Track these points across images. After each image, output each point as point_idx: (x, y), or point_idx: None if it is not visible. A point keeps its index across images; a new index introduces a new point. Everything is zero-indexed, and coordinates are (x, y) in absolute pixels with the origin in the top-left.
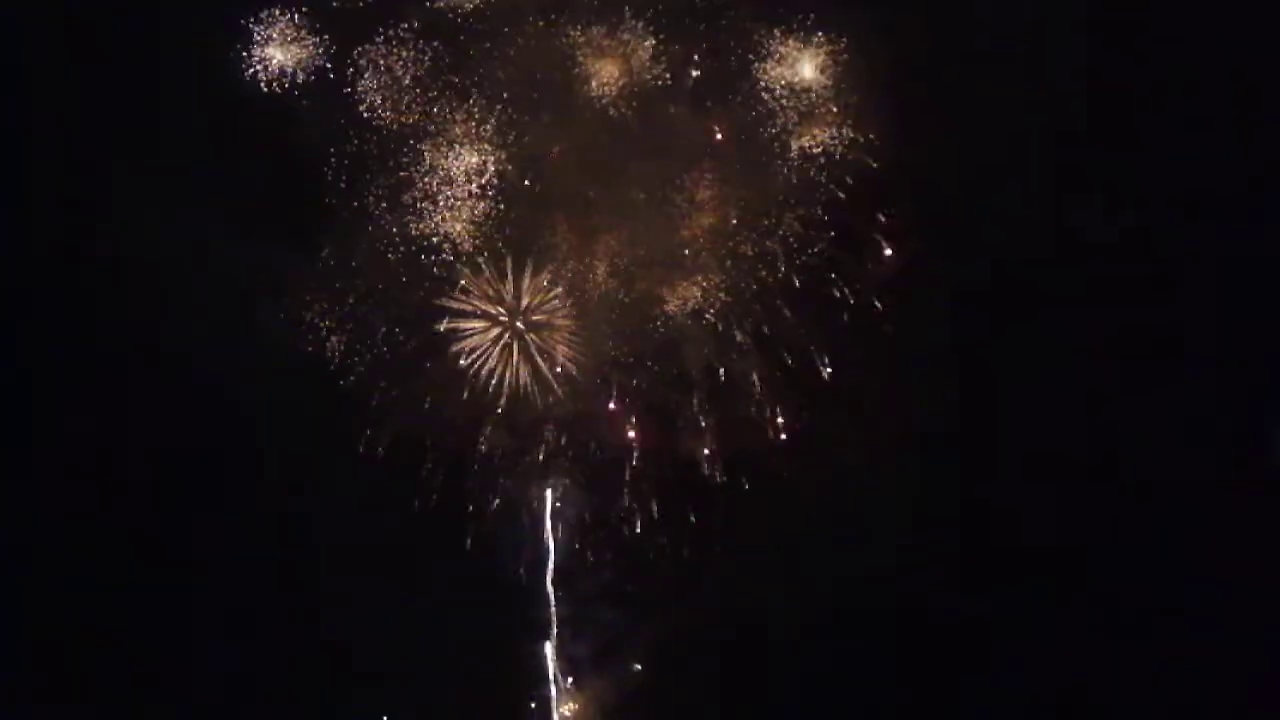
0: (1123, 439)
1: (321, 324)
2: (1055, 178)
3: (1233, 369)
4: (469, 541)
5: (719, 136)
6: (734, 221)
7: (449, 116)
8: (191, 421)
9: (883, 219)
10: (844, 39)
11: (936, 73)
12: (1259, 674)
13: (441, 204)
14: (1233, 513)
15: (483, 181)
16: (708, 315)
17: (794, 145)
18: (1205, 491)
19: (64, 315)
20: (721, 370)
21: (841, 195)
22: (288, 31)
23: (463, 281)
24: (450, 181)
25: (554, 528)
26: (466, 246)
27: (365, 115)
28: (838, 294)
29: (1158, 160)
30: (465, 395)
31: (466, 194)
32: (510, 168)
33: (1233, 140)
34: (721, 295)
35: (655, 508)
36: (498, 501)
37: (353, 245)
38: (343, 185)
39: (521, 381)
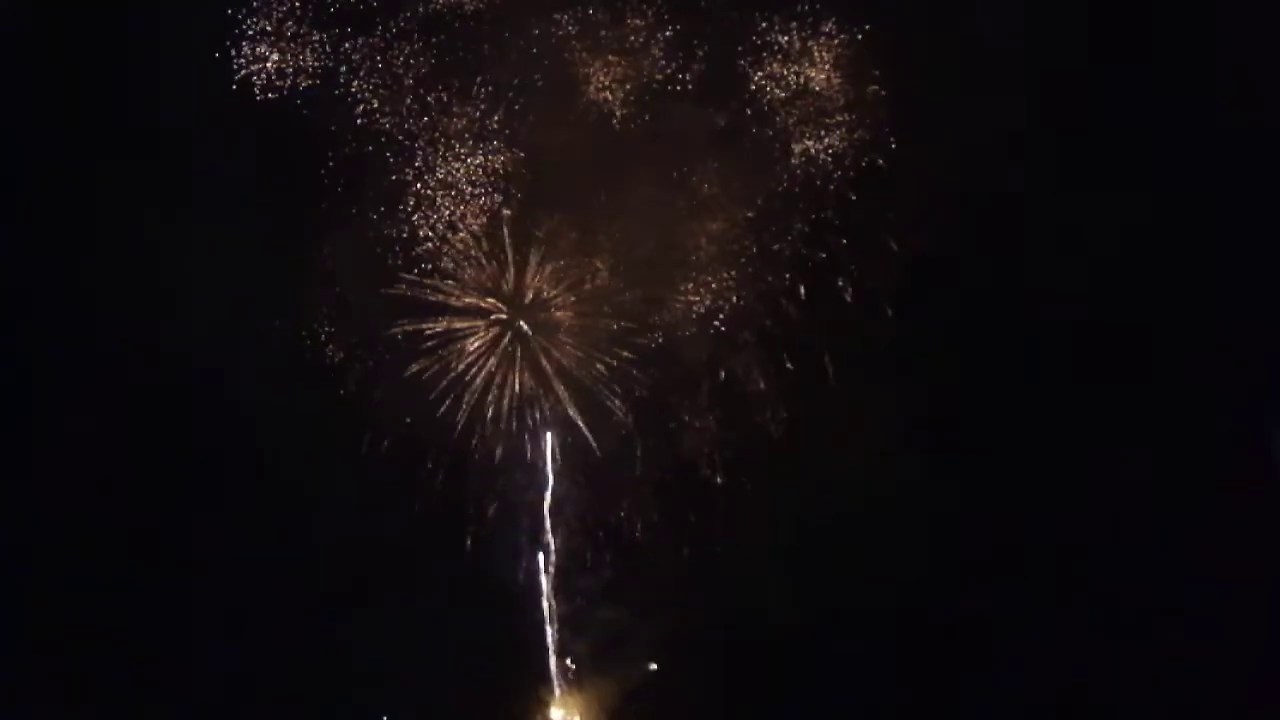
0: (1123, 438)
1: (321, 329)
2: (1058, 176)
3: (1233, 369)
4: (469, 542)
5: (723, 132)
6: (739, 220)
7: (450, 115)
8: (191, 422)
9: (889, 217)
10: (849, 34)
11: (941, 69)
12: (1259, 674)
13: (442, 203)
14: (1233, 513)
15: (485, 180)
16: (712, 315)
17: (799, 144)
18: (1205, 491)
19: (64, 316)
20: (722, 371)
21: (851, 195)
22: (286, 29)
23: (464, 281)
24: (452, 181)
25: (554, 528)
26: (468, 245)
27: (365, 115)
28: (845, 296)
29: (1158, 159)
30: (466, 395)
31: (468, 193)
32: (512, 167)
33: (1234, 139)
34: (727, 295)
35: (655, 508)
36: (497, 502)
37: (353, 246)
38: (341, 187)
39: (523, 381)
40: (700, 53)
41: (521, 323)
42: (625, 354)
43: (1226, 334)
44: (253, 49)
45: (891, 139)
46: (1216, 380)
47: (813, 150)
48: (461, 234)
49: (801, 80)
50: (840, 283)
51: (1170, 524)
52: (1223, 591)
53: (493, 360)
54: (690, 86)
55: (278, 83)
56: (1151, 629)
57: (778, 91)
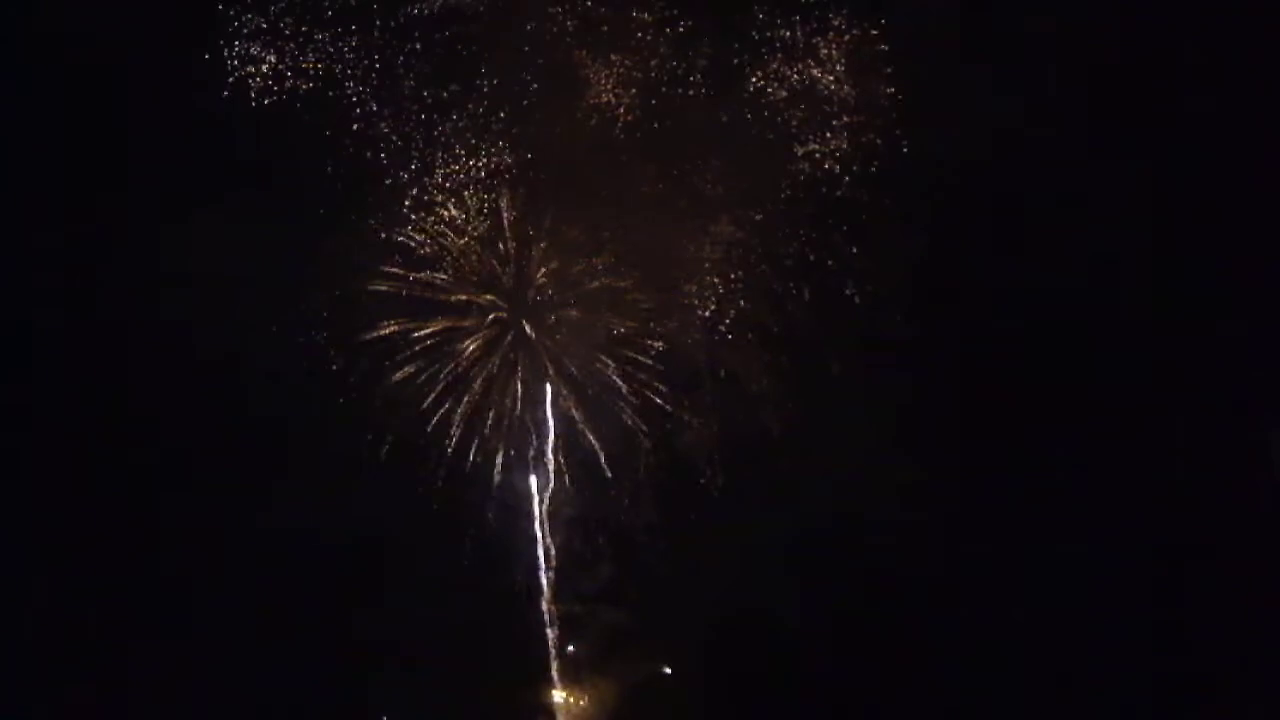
0: (1123, 439)
1: (321, 331)
2: (1061, 181)
3: (1233, 372)
4: (469, 543)
5: (728, 131)
6: (743, 220)
7: (452, 114)
8: (190, 428)
9: (893, 218)
10: (855, 34)
11: (949, 70)
12: (1258, 673)
13: (445, 203)
14: (1233, 516)
15: (487, 180)
16: (714, 315)
17: (804, 145)
18: (1206, 490)
19: (65, 320)
20: (723, 370)
21: (856, 196)
22: (284, 28)
23: (466, 281)
24: (453, 181)
25: (554, 529)
26: (471, 246)
27: (368, 116)
28: (848, 296)
29: (1163, 161)
30: (468, 395)
31: (471, 193)
32: (515, 166)
33: (1239, 140)
34: (730, 295)
35: (655, 508)
36: (498, 503)
37: (355, 247)
38: (342, 187)
39: (525, 381)
40: (708, 48)
41: (525, 323)
42: (627, 354)
43: (1227, 335)
44: (247, 49)
45: (896, 141)
46: (1217, 381)
47: (818, 153)
48: (465, 235)
49: (807, 81)
50: (843, 283)
51: (1173, 522)
52: (1223, 592)
53: (494, 360)
54: (702, 89)
55: (274, 85)
56: (1152, 629)
57: (783, 92)
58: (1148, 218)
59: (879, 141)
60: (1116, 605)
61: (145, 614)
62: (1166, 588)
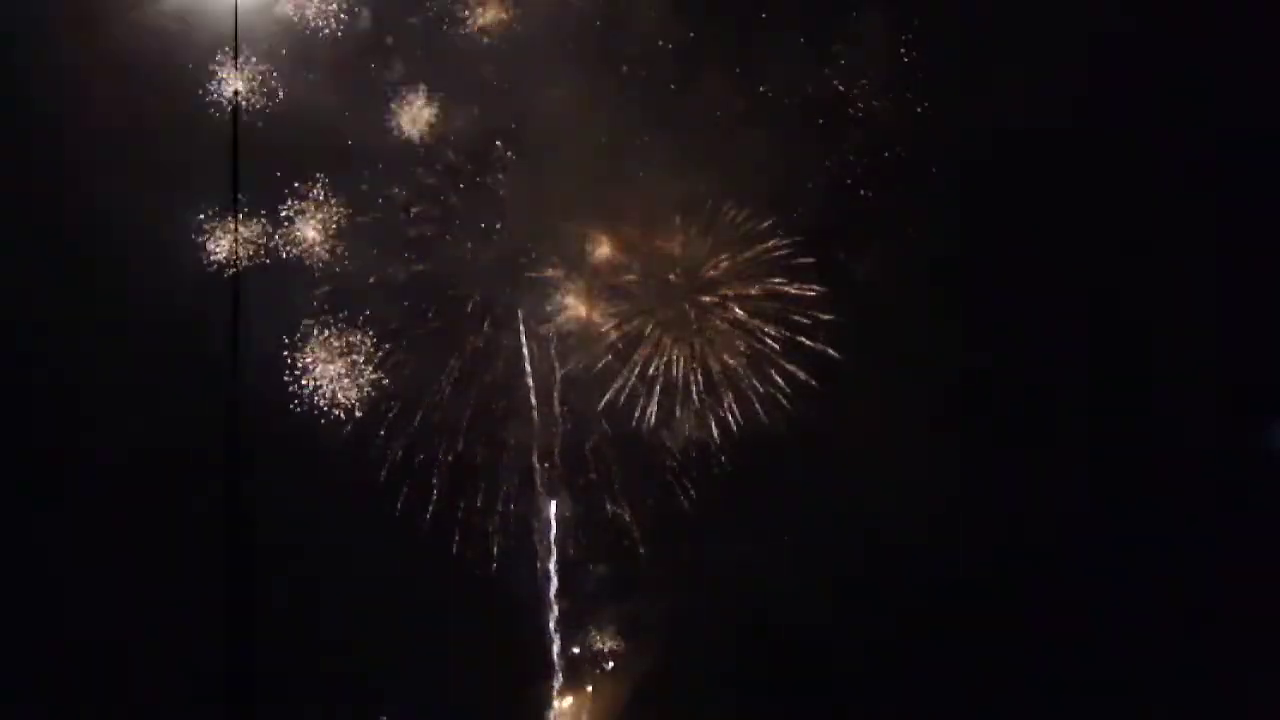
0: (1124, 433)
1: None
2: (1072, 176)
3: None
4: (470, 545)
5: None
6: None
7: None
8: (195, 428)
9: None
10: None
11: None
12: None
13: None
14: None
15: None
16: (720, 300)
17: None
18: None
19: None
20: (730, 362)
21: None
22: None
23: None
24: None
25: (554, 527)
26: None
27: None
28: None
29: (1172, 162)
30: (471, 393)
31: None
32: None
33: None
34: (735, 283)
35: (658, 507)
36: (502, 503)
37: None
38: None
39: (528, 377)
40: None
41: (531, 321)
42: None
43: (1230, 333)
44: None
45: (909, 137)
46: (1218, 377)
47: (830, 148)
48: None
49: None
50: (855, 267)
51: (1182, 521)
52: (1222, 592)
53: (499, 360)
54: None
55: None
56: (1151, 628)
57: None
58: (1156, 217)
59: (901, 152)
60: (1117, 604)
61: (142, 612)
62: (1165, 587)
